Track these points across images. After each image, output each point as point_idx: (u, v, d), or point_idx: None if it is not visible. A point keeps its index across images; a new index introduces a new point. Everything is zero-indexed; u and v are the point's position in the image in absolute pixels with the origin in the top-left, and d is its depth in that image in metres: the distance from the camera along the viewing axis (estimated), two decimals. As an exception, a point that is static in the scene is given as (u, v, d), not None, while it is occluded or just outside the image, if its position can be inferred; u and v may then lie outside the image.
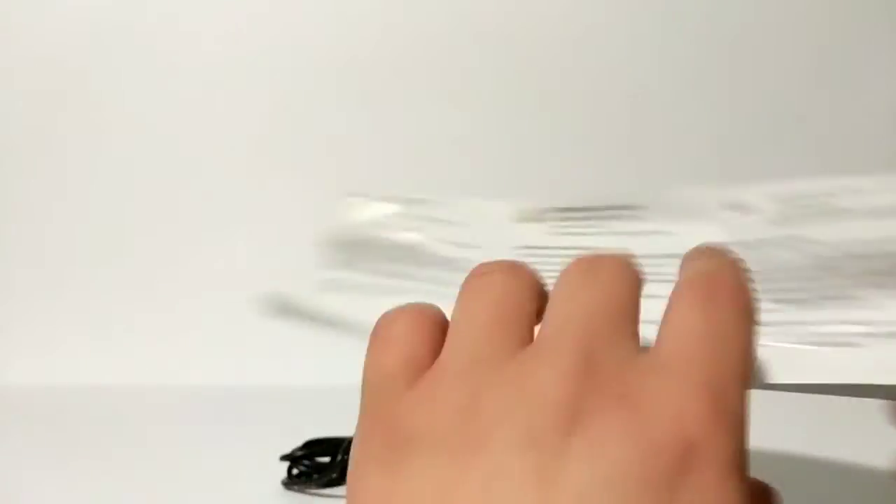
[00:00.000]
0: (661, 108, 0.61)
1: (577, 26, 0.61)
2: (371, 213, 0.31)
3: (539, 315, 0.19)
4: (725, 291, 0.18)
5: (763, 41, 0.61)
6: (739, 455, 0.15)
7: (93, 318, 0.60)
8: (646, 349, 0.17)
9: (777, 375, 0.21)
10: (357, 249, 0.30)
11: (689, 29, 0.61)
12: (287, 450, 0.41)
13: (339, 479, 0.40)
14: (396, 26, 0.61)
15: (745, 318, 0.18)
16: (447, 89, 0.61)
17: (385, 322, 0.19)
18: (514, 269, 0.20)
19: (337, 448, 0.40)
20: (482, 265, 0.20)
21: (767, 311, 0.21)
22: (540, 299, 0.19)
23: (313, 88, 0.61)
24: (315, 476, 0.40)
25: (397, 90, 0.61)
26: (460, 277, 0.21)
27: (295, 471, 0.40)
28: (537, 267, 0.21)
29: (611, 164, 0.61)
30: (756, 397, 0.17)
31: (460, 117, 0.61)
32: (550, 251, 0.27)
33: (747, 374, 0.17)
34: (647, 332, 0.19)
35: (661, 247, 0.25)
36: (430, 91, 0.61)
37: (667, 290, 0.19)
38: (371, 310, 0.23)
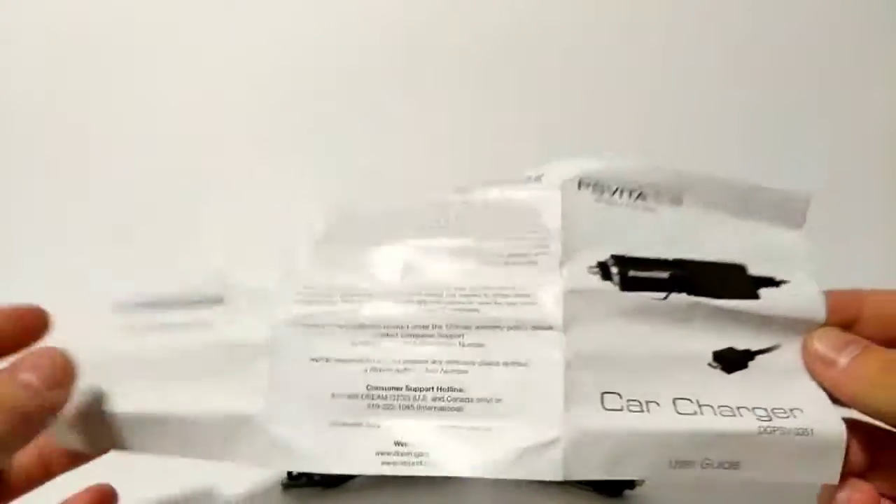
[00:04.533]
0: (661, 112, 0.61)
1: (579, 32, 0.61)
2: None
3: None
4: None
5: (764, 43, 0.61)
6: None
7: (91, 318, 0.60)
8: None
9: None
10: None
11: (690, 32, 0.61)
12: (287, 450, 0.40)
13: (339, 480, 0.40)
14: (396, 26, 0.61)
15: None
16: (447, 89, 0.61)
17: None
18: None
19: (337, 448, 0.40)
20: None
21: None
22: None
23: (312, 89, 0.61)
24: (315, 476, 0.40)
25: (397, 90, 0.61)
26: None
27: (295, 471, 0.40)
28: None
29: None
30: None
31: (460, 117, 0.61)
32: None
33: None
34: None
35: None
36: (429, 90, 0.61)
37: None
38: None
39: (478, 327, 0.26)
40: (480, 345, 0.26)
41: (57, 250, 0.61)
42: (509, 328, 0.25)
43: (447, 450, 0.25)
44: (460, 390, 0.26)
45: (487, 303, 0.26)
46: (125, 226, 0.61)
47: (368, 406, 0.26)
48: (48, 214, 0.61)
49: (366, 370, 0.26)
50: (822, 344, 0.25)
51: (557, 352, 0.25)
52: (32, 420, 0.24)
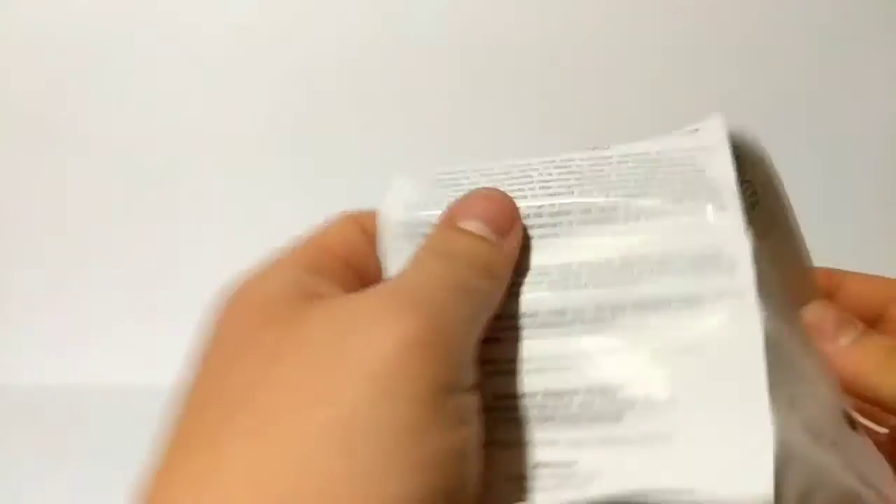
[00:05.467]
0: (659, 111, 0.61)
1: (579, 28, 0.61)
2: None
3: None
4: None
5: (764, 42, 0.61)
6: None
7: (93, 318, 0.60)
8: None
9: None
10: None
11: (690, 30, 0.61)
12: (287, 450, 0.40)
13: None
14: (398, 26, 0.61)
15: None
16: (449, 89, 0.61)
17: None
18: None
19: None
20: None
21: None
22: None
23: (315, 89, 0.61)
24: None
25: (398, 90, 0.61)
26: None
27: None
28: None
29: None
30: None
31: (461, 117, 0.61)
32: None
33: None
34: None
35: None
36: (431, 91, 0.61)
37: None
38: None
39: (635, 306, 0.19)
40: (641, 327, 0.19)
41: (56, 246, 0.61)
42: (680, 303, 0.19)
43: (611, 468, 0.18)
44: (617, 390, 0.19)
45: (647, 273, 0.20)
46: (125, 224, 0.61)
47: (495, 420, 0.19)
48: (47, 213, 0.61)
49: (488, 374, 0.19)
50: (817, 317, 0.24)
51: (754, 327, 0.18)
52: (501, 277, 0.19)
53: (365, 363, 0.15)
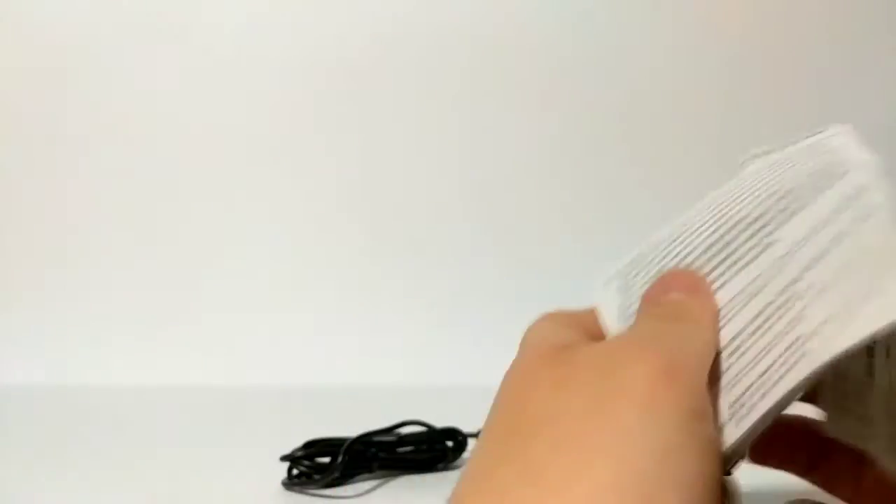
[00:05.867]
0: (658, 111, 0.61)
1: (578, 28, 0.61)
2: None
3: None
4: None
5: (763, 42, 0.61)
6: None
7: (92, 319, 0.60)
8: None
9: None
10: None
11: (690, 30, 0.61)
12: (287, 450, 0.41)
13: (340, 480, 0.40)
14: (401, 27, 0.61)
15: None
16: (450, 91, 0.61)
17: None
18: None
19: (337, 448, 0.40)
20: None
21: None
22: None
23: (316, 89, 0.61)
24: (315, 476, 0.40)
25: (399, 89, 0.61)
26: None
27: (295, 471, 0.40)
28: None
29: (608, 168, 0.61)
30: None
31: (461, 116, 0.61)
32: None
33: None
34: None
35: None
36: (431, 93, 0.61)
37: None
38: None
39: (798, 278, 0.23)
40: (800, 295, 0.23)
41: (57, 247, 0.61)
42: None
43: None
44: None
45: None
46: (125, 225, 0.61)
47: None
48: (48, 213, 0.61)
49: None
50: None
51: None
52: (707, 321, 0.24)
53: (627, 392, 0.19)
